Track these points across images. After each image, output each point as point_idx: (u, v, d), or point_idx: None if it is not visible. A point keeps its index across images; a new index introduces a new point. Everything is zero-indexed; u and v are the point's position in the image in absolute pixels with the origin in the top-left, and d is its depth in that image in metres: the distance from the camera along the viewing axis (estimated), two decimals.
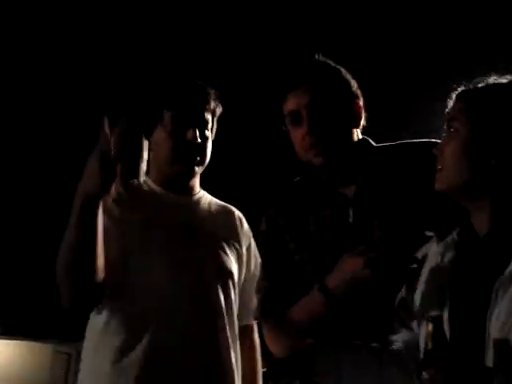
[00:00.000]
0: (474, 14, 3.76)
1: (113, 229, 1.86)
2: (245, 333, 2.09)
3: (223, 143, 2.13)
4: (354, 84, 1.82)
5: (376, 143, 1.88)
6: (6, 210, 4.22)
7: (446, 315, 1.38)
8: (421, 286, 1.51)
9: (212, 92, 2.04)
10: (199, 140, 1.96)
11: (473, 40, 3.77)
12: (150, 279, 1.87)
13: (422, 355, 1.29)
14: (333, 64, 1.83)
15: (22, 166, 4.22)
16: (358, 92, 1.82)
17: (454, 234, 1.49)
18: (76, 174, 1.71)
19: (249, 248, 2.12)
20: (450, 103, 1.50)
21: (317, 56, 1.83)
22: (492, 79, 1.48)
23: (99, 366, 1.86)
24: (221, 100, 2.07)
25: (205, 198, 2.10)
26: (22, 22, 3.83)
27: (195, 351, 1.88)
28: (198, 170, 2.02)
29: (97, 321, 1.90)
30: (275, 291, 1.83)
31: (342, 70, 1.83)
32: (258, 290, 1.90)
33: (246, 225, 2.15)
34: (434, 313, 1.34)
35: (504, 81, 1.46)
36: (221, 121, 2.09)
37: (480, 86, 1.47)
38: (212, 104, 2.02)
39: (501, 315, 1.30)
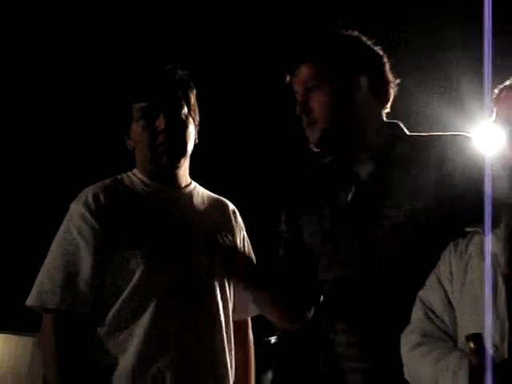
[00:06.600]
0: None
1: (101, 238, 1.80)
2: (239, 328, 2.03)
3: (216, 135, 2.06)
4: (374, 59, 1.76)
5: None
6: None
7: (502, 303, 1.41)
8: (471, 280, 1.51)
9: (179, 74, 1.94)
10: (173, 127, 1.86)
11: None
12: (144, 277, 1.79)
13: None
14: (349, 37, 1.77)
15: (21, 166, 4.15)
16: (375, 65, 1.76)
17: (502, 227, 1.47)
18: (72, 174, 1.65)
19: (243, 241, 2.06)
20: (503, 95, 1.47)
21: (330, 29, 1.81)
22: None
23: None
24: (193, 80, 1.97)
25: (197, 190, 2.02)
26: None
27: (190, 351, 1.81)
28: (182, 160, 1.93)
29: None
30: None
31: (365, 44, 1.77)
32: None
33: (239, 217, 2.09)
34: (472, 332, 1.35)
35: None
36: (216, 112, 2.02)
37: None
38: (181, 87, 1.92)
39: None
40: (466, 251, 1.53)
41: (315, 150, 1.78)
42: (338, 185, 1.80)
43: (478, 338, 1.32)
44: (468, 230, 1.56)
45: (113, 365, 1.77)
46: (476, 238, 1.53)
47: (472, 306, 1.47)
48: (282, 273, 1.89)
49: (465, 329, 1.47)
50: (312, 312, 1.90)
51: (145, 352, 1.77)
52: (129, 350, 1.77)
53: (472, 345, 1.31)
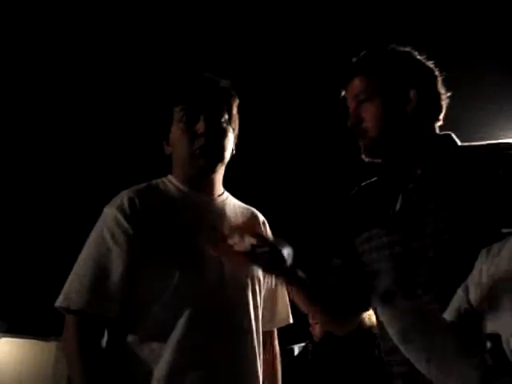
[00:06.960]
0: None
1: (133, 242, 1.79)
2: (266, 339, 2.03)
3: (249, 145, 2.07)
4: (425, 77, 1.79)
5: None
6: (8, 211, 4.22)
7: None
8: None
9: (223, 83, 1.97)
10: (212, 132, 1.88)
11: None
12: (179, 284, 1.78)
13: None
14: (400, 52, 1.82)
15: (22, 167, 4.19)
16: (425, 82, 1.78)
17: None
18: (75, 176, 1.66)
19: None
20: None
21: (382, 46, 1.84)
22: None
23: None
24: (236, 91, 1.99)
25: (229, 199, 2.03)
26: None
27: (222, 362, 1.79)
28: (219, 165, 1.94)
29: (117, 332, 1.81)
30: None
31: (415, 58, 1.81)
32: None
33: (268, 229, 2.10)
34: (491, 331, 1.33)
35: None
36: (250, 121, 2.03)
37: None
38: (223, 95, 1.95)
39: None
40: (498, 254, 1.50)
41: (366, 159, 1.83)
42: (387, 195, 1.82)
43: (495, 338, 1.30)
44: (505, 231, 1.54)
45: (147, 373, 1.74)
46: (511, 240, 1.50)
47: (493, 308, 1.43)
48: (336, 279, 1.93)
49: (484, 328, 1.43)
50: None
51: (177, 362, 1.74)
52: (162, 360, 1.74)
53: (489, 344, 1.29)
